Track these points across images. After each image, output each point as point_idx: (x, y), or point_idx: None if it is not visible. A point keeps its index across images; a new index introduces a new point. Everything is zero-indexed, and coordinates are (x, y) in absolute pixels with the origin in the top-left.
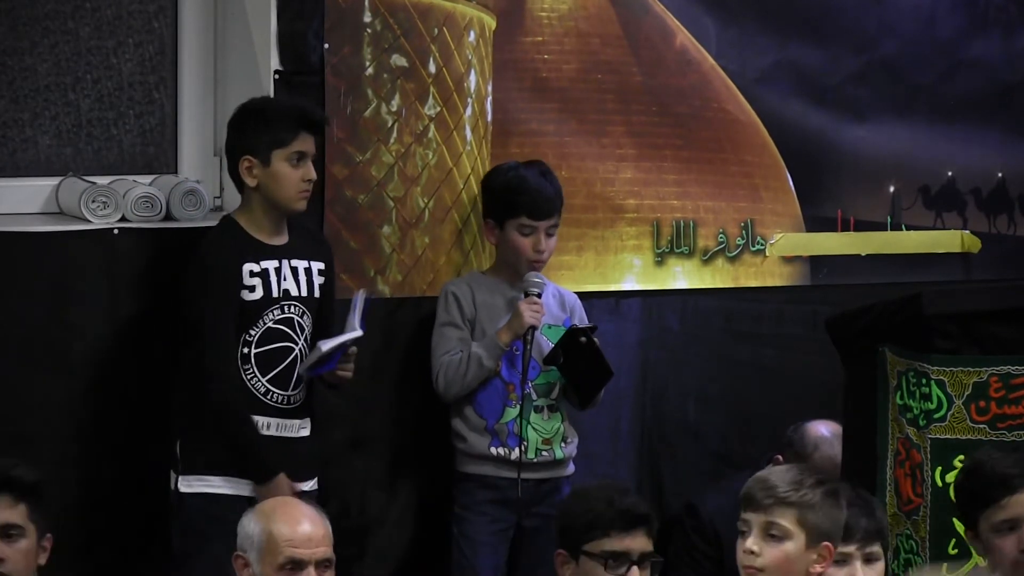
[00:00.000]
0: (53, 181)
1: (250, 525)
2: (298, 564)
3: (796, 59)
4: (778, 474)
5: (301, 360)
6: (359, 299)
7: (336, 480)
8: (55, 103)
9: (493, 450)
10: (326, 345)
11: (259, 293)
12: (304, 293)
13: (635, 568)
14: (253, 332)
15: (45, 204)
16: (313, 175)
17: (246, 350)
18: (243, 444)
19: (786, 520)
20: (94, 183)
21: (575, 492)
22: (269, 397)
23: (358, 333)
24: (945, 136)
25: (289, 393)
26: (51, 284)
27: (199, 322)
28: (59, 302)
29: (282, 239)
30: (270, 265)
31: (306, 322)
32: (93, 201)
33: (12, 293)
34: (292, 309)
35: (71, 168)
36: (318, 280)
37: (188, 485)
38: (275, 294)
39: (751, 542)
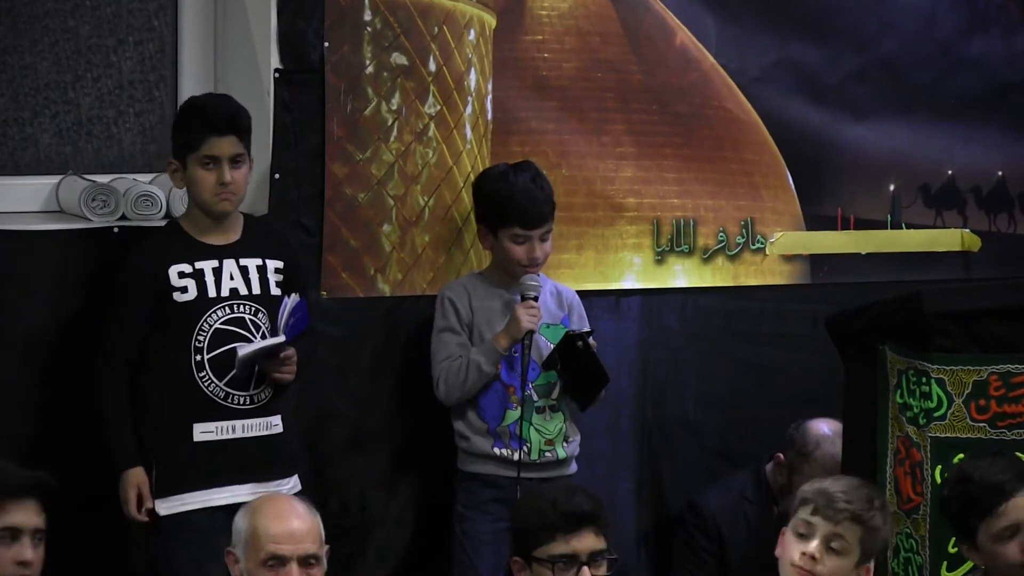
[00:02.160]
0: (53, 179)
1: (240, 521)
2: (280, 560)
3: (796, 58)
4: (852, 489)
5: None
6: (287, 304)
7: (336, 479)
8: (55, 101)
9: (496, 450)
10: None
11: (192, 294)
12: (256, 291)
13: (585, 569)
14: (201, 337)
15: (45, 202)
16: (227, 178)
17: (199, 357)
18: (104, 438)
19: (851, 536)
20: (94, 181)
21: (524, 497)
22: (230, 400)
23: (280, 339)
24: (945, 135)
25: (251, 393)
26: (51, 283)
27: (104, 321)
28: (59, 301)
29: (228, 238)
30: (207, 265)
31: (261, 320)
32: (93, 200)
33: (12, 292)
34: (242, 308)
35: (71, 166)
36: (274, 278)
37: (166, 508)
38: (213, 294)
39: (815, 548)
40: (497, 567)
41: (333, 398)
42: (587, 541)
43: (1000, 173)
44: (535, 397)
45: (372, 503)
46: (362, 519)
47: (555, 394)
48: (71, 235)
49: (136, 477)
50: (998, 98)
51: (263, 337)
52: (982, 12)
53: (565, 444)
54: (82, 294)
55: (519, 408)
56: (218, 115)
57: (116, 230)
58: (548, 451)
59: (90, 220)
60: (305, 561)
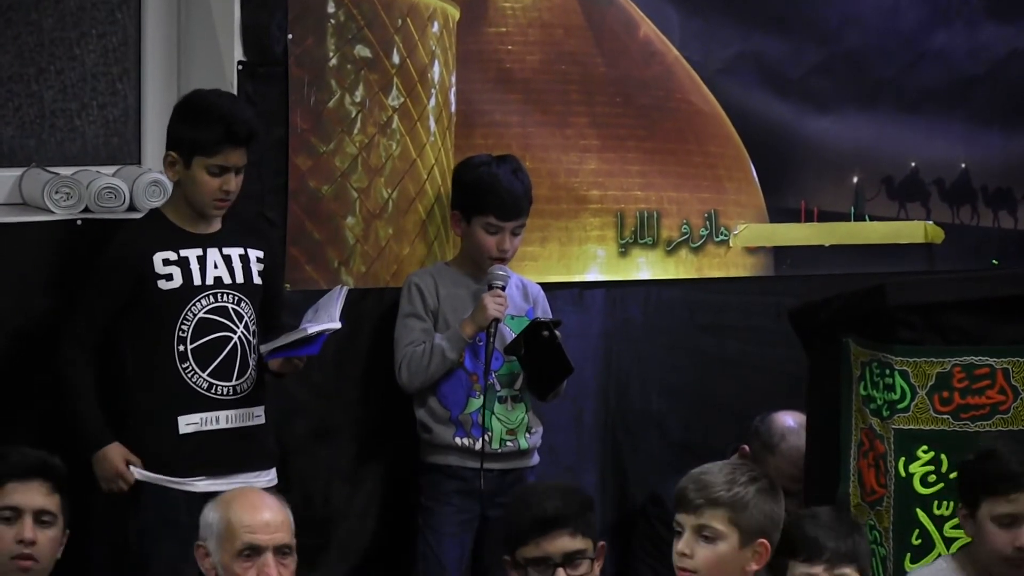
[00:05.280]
0: (16, 172)
1: (210, 514)
2: (256, 550)
3: (760, 50)
4: (712, 473)
5: (241, 349)
6: (341, 293)
7: (300, 471)
8: (18, 94)
9: (458, 440)
10: (313, 328)
11: (178, 282)
12: (240, 280)
13: (560, 570)
14: (185, 327)
15: (8, 195)
16: (232, 187)
17: (182, 348)
18: (71, 420)
19: (717, 521)
20: (57, 174)
21: (512, 498)
22: (213, 391)
23: (337, 325)
24: (908, 127)
25: (234, 383)
26: (14, 275)
27: (75, 299)
28: (22, 293)
29: (211, 227)
30: (191, 253)
31: (244, 309)
32: (56, 192)
33: None
34: (226, 297)
35: (34, 159)
36: (256, 267)
37: (143, 475)
38: (198, 282)
39: (683, 544)
40: (461, 559)
41: (297, 391)
42: (560, 543)
43: (963, 165)
44: (498, 386)
45: (336, 496)
46: (326, 512)
47: (518, 384)
48: (34, 228)
49: (120, 450)
50: (961, 91)
51: (246, 327)
52: (945, 5)
53: (528, 435)
54: (45, 287)
55: (482, 396)
56: (242, 129)
57: (79, 223)
58: (510, 441)
59: (53, 213)
60: (280, 551)
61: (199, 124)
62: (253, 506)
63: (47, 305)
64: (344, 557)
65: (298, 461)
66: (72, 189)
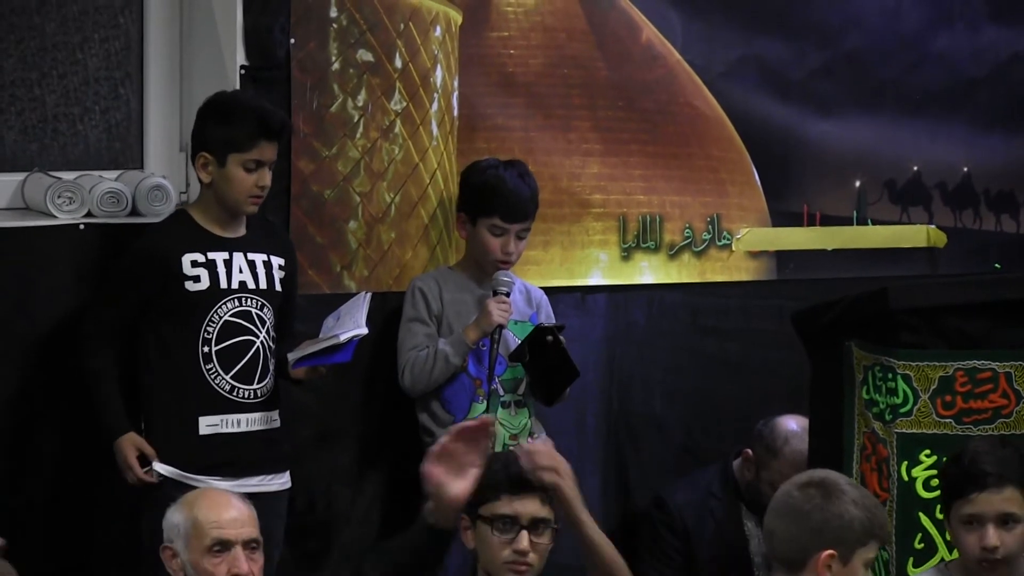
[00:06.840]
0: (19, 177)
1: (175, 516)
2: (225, 544)
3: (762, 53)
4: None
5: (263, 353)
6: (365, 299)
7: (302, 475)
8: (21, 98)
9: None
10: (344, 334)
11: (205, 284)
12: (264, 286)
13: (524, 532)
14: (211, 329)
15: (11, 200)
16: (267, 182)
17: (206, 349)
18: (95, 404)
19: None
20: (60, 178)
21: (489, 461)
22: (235, 394)
23: (364, 331)
24: (911, 130)
25: (255, 387)
26: (17, 280)
27: (99, 291)
28: (25, 298)
29: (237, 232)
30: (218, 256)
31: (267, 315)
32: (59, 196)
33: None
34: (250, 302)
35: (37, 163)
36: (278, 275)
37: (163, 468)
38: (224, 285)
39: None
40: (464, 563)
41: (299, 395)
42: (531, 506)
43: (966, 169)
44: (501, 392)
45: (338, 499)
46: (328, 515)
47: (521, 389)
48: (37, 232)
49: (132, 440)
50: (963, 94)
51: (267, 333)
52: (947, 7)
53: (530, 440)
54: (48, 291)
55: (485, 401)
56: (274, 121)
57: (82, 227)
58: (513, 446)
59: (56, 217)
60: (248, 545)
61: (231, 121)
62: (218, 504)
63: (49, 309)
64: (346, 562)
65: (300, 466)
66: (74, 194)
